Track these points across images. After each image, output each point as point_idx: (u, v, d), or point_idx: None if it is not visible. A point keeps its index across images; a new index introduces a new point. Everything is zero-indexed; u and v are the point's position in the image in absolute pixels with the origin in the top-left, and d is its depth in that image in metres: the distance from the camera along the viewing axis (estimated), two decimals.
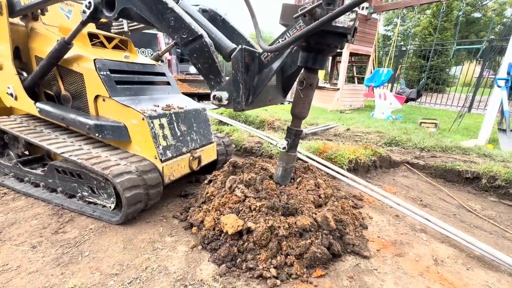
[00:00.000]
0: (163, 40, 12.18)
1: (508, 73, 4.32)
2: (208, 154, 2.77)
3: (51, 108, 2.38)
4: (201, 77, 10.02)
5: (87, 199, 2.19)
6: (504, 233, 2.11)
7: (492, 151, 3.79)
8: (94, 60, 2.21)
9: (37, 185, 2.48)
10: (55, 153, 2.13)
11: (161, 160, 2.15)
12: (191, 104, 2.72)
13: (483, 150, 3.77)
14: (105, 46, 2.65)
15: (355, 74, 10.92)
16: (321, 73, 12.31)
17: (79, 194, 2.21)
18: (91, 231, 1.91)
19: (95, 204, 2.17)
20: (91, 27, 3.02)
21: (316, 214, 1.70)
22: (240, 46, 1.44)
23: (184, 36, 1.63)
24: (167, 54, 10.64)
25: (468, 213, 2.43)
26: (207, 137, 2.77)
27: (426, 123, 5.59)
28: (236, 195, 1.77)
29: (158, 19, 1.69)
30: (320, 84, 9.17)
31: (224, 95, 1.56)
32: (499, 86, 4.35)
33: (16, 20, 2.52)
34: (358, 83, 11.29)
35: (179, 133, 2.39)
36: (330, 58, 11.26)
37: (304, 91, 1.73)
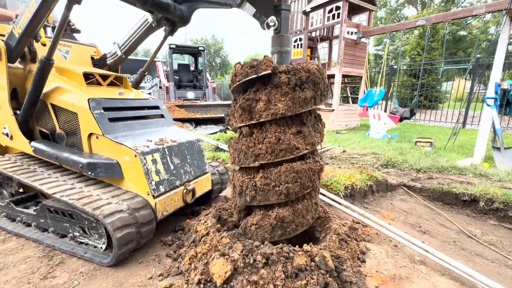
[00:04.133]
0: (162, 67, 12.58)
1: (496, 92, 4.43)
2: (203, 185, 2.76)
3: (45, 147, 2.40)
4: (198, 102, 10.22)
5: (78, 240, 2.15)
6: (507, 261, 2.06)
7: (488, 170, 3.79)
8: (88, 99, 2.26)
9: (28, 225, 2.44)
10: (47, 194, 2.11)
11: (153, 196, 2.14)
12: (185, 136, 2.74)
13: (479, 169, 3.77)
14: (100, 84, 2.73)
15: (349, 95, 11.16)
16: None
17: (71, 234, 2.16)
18: (81, 275, 1.85)
19: (87, 244, 2.12)
20: (87, 66, 3.14)
21: (312, 250, 1.66)
22: None
23: None
24: (165, 81, 10.93)
25: (469, 239, 2.38)
26: (201, 168, 2.77)
27: (421, 142, 5.63)
28: (223, 239, 1.74)
29: None
30: None
31: None
32: (488, 105, 4.44)
33: (15, 63, 2.61)
34: (353, 103, 11.52)
35: (172, 167, 2.40)
36: None
37: None
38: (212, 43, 45.25)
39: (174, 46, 10.58)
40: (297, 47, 10.15)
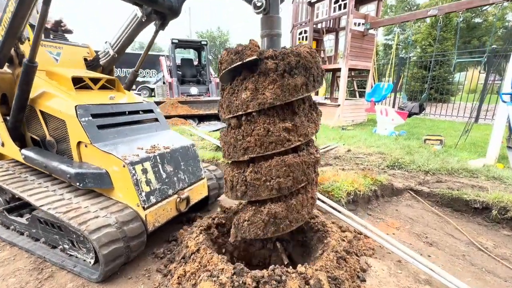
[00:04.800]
0: (165, 63, 12.46)
1: None
2: (198, 192, 2.66)
3: (35, 155, 2.34)
4: (201, 98, 10.08)
5: (68, 252, 2.09)
6: None
7: (502, 171, 3.57)
8: (76, 106, 2.17)
9: (22, 234, 2.41)
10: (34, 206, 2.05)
11: (143, 207, 2.05)
12: (179, 142, 2.63)
13: (492, 171, 3.55)
14: (91, 88, 2.63)
15: (356, 88, 10.83)
16: (321, 88, 12.27)
17: (61, 246, 2.11)
18: None
19: (77, 257, 2.07)
20: (79, 68, 3.03)
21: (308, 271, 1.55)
22: None
23: None
24: (168, 77, 10.81)
25: (479, 252, 2.22)
26: (196, 174, 2.67)
27: (431, 140, 5.39)
28: (214, 258, 1.64)
29: None
30: (320, 101, 9.11)
31: None
32: (504, 101, 4.16)
33: (3, 68, 2.53)
34: (360, 96, 11.19)
35: (164, 175, 2.30)
36: (331, 73, 11.27)
37: None
38: (217, 35, 44.69)
39: (176, 41, 10.40)
40: (302, 39, 9.82)
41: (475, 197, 2.74)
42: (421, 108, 6.69)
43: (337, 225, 2.45)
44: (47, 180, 2.38)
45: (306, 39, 9.63)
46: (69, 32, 3.19)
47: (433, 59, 9.24)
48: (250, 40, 1.56)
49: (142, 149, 2.28)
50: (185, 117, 8.73)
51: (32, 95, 2.35)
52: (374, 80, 8.40)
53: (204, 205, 2.94)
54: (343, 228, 2.40)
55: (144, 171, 2.13)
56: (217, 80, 11.93)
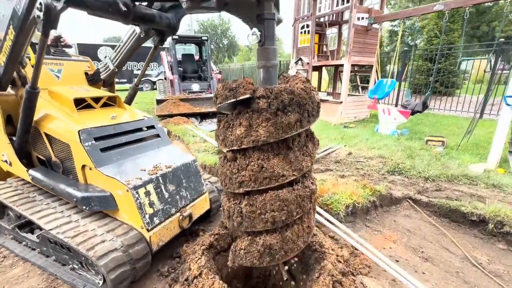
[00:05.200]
0: (166, 58, 12.34)
1: None
2: (200, 206, 2.74)
3: (42, 176, 2.42)
4: (203, 95, 10.00)
5: (78, 271, 2.21)
6: None
7: (502, 178, 3.58)
8: (79, 131, 2.22)
9: (33, 249, 2.53)
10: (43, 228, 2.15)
11: (147, 229, 2.14)
12: (180, 159, 2.68)
13: (492, 178, 3.56)
14: (93, 107, 2.67)
15: (358, 83, 10.69)
16: (324, 82, 12.12)
17: (70, 266, 2.23)
18: None
19: (86, 277, 2.18)
20: (81, 84, 3.07)
21: None
22: None
23: None
24: (169, 74, 10.75)
25: (473, 268, 2.29)
26: (198, 189, 2.74)
27: (433, 141, 5.37)
28: (215, 283, 1.73)
29: None
30: (323, 97, 9.02)
31: None
32: (508, 105, 4.11)
33: (7, 90, 2.58)
34: (362, 89, 11.06)
35: (167, 195, 2.37)
36: (333, 68, 11.10)
37: None
38: (219, 24, 43.91)
39: (176, 37, 10.28)
40: (305, 33, 9.63)
41: (472, 210, 2.78)
42: (424, 106, 6.61)
43: (334, 239, 2.53)
44: (55, 200, 2.47)
45: (308, 33, 9.44)
46: (69, 47, 3.20)
47: (439, 52, 9.00)
48: (244, 78, 1.58)
49: (144, 170, 2.34)
50: (187, 115, 8.76)
51: (36, 116, 2.41)
52: (377, 76, 8.28)
53: (206, 217, 3.02)
54: (341, 243, 2.48)
55: (147, 194, 2.21)
56: (219, 76, 11.84)
